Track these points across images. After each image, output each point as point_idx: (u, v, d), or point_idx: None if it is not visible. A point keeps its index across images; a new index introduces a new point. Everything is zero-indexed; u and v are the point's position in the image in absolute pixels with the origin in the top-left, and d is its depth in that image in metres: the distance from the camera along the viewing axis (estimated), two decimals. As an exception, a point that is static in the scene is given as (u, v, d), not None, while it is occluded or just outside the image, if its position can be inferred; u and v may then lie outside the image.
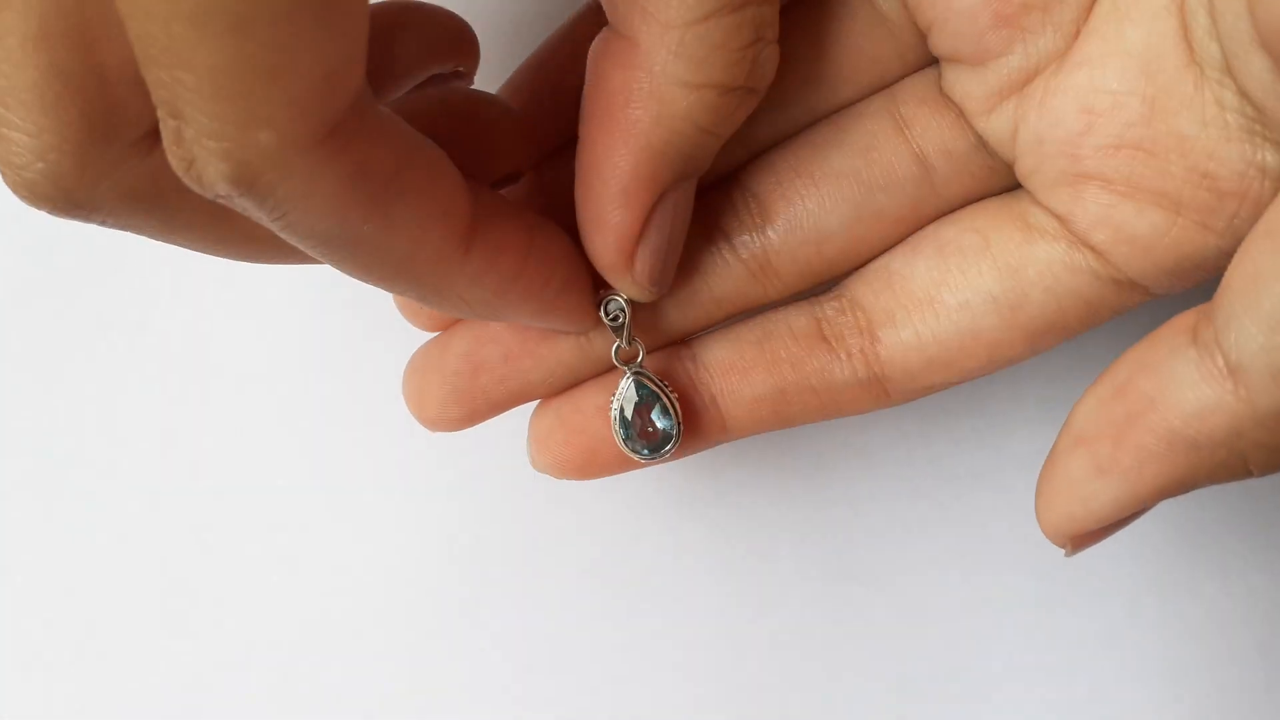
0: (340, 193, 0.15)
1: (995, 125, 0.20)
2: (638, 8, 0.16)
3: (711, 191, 0.22)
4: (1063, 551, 0.18)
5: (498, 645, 0.29)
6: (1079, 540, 0.18)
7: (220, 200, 0.15)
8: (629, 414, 0.21)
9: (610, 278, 0.19)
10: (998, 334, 0.20)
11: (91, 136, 0.15)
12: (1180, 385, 0.16)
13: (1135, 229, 0.19)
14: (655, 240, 0.19)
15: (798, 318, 0.22)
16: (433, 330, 0.22)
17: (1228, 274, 0.15)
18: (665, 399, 0.21)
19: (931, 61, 0.21)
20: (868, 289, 0.21)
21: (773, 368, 0.21)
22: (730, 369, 0.22)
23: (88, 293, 0.30)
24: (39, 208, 0.16)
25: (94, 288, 0.30)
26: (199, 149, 0.14)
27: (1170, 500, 0.27)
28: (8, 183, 0.16)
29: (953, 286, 0.20)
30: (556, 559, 0.29)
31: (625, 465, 0.22)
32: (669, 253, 0.19)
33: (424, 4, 0.21)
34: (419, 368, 0.22)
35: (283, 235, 0.15)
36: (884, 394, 0.21)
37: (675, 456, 0.22)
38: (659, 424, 0.21)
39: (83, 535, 0.29)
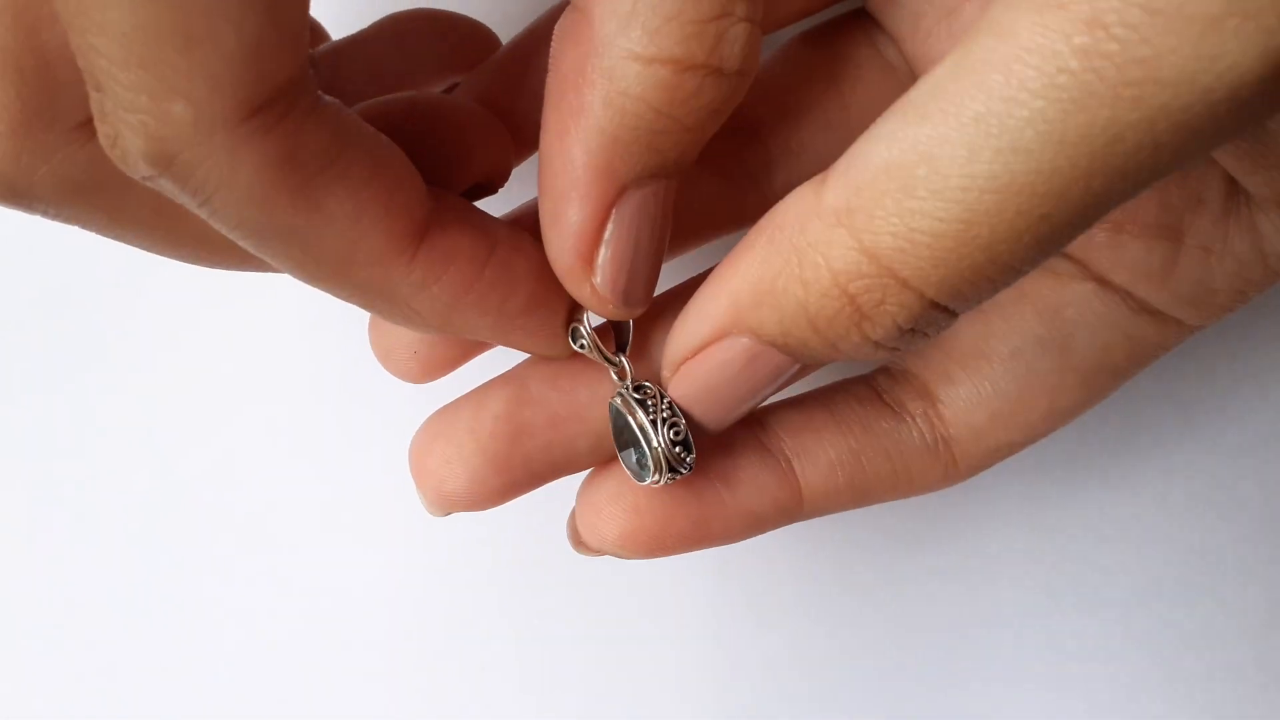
0: (264, 177, 0.14)
1: None
2: None
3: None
4: None
5: (494, 655, 0.29)
6: (679, 377, 0.18)
7: (147, 183, 0.14)
8: (626, 439, 0.19)
9: (569, 286, 0.17)
10: (1053, 378, 0.20)
11: (28, 120, 0.15)
12: (796, 191, 0.16)
13: (1149, 264, 0.19)
14: (617, 245, 0.17)
15: (857, 386, 0.21)
16: (412, 380, 0.21)
17: None
18: (659, 412, 0.18)
19: None
20: (914, 357, 0.21)
21: (845, 429, 0.20)
22: (802, 429, 0.20)
23: (94, 295, 0.30)
24: None
25: (100, 291, 0.30)
26: (119, 123, 0.14)
27: (1164, 514, 0.28)
28: None
29: (1000, 335, 0.20)
30: (553, 572, 0.29)
31: (700, 537, 0.20)
32: (638, 264, 0.17)
33: (447, 13, 0.21)
34: (439, 434, 0.19)
35: (214, 224, 0.15)
36: (952, 462, 0.21)
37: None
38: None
39: (82, 535, 0.29)
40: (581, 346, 0.18)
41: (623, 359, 0.19)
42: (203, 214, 0.15)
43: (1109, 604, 0.28)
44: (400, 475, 0.28)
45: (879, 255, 0.14)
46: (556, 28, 0.16)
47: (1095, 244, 0.19)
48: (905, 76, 0.21)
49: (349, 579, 0.29)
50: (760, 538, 0.28)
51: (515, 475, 0.19)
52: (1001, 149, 0.13)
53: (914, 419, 0.21)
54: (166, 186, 0.14)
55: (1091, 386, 0.20)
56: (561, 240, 0.17)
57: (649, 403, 0.18)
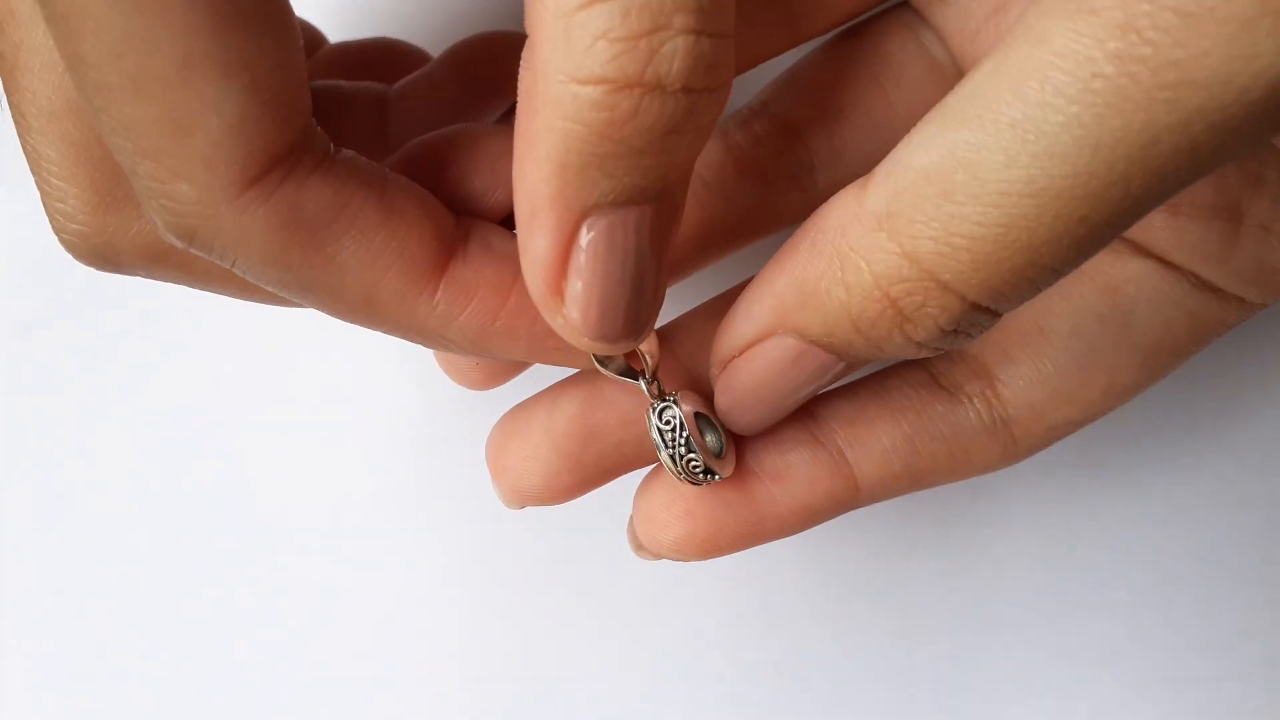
0: (272, 239, 0.16)
1: None
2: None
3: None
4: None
5: (502, 657, 0.28)
6: (725, 374, 0.18)
7: (189, 250, 0.16)
8: (679, 442, 0.19)
9: (545, 317, 0.17)
10: (1113, 355, 0.20)
11: (105, 200, 0.17)
12: (839, 194, 0.16)
13: (1208, 245, 0.19)
14: (588, 271, 0.16)
15: (911, 370, 0.21)
16: (475, 388, 0.21)
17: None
18: (676, 447, 0.19)
19: None
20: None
21: (898, 416, 0.20)
22: (854, 421, 0.20)
23: (99, 297, 0.30)
24: (84, 264, 0.18)
25: (104, 293, 0.29)
26: (148, 204, 0.16)
27: (1172, 516, 0.28)
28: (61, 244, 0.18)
29: (1058, 313, 0.20)
30: (558, 577, 0.29)
31: (755, 535, 0.20)
32: (612, 295, 0.16)
33: (503, 35, 0.23)
34: (516, 432, 0.20)
35: (252, 281, 0.17)
36: (1011, 442, 0.21)
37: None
38: (707, 440, 0.19)
39: (81, 536, 0.29)
40: (610, 368, 0.19)
41: (642, 383, 0.19)
42: (236, 273, 0.17)
43: (1115, 606, 0.29)
44: (406, 476, 0.29)
45: (919, 259, 0.14)
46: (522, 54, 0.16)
47: (1153, 226, 0.19)
48: (951, 74, 0.21)
49: (355, 581, 0.29)
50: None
51: (588, 472, 0.20)
52: (1038, 154, 0.13)
53: (971, 400, 0.21)
54: (200, 253, 0.16)
55: (1152, 364, 0.20)
56: (530, 270, 0.16)
57: (668, 436, 0.19)
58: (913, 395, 0.21)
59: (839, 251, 0.15)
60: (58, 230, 0.18)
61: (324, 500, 0.29)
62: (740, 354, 0.18)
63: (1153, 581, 0.29)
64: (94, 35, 0.14)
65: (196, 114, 0.15)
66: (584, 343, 0.17)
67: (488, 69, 0.23)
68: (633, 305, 0.16)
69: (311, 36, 0.26)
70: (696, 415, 0.19)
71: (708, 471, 0.19)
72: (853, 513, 0.28)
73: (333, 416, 0.29)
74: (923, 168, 0.14)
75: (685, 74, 0.14)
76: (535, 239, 0.16)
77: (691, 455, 0.19)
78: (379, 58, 0.25)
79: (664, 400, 0.19)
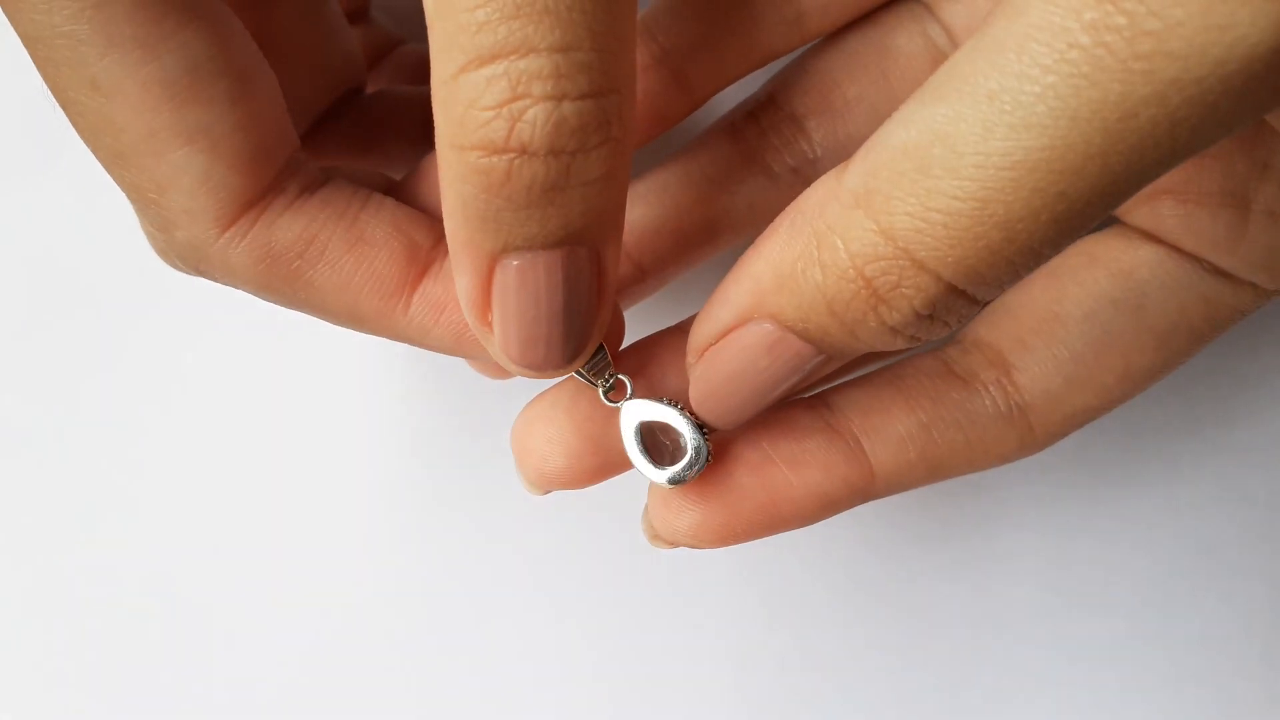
0: (257, 270, 0.18)
1: None
2: (430, 60, 0.15)
3: None
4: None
5: (507, 653, 0.28)
6: (700, 362, 0.18)
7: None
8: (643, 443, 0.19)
9: (483, 344, 0.18)
10: (1128, 339, 0.20)
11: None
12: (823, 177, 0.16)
13: (1215, 231, 0.19)
14: (505, 309, 0.17)
15: (926, 360, 0.21)
16: (497, 378, 0.22)
17: None
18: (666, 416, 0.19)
19: None
20: (985, 326, 0.21)
21: (913, 403, 0.20)
22: (869, 410, 0.20)
23: (103, 298, 0.29)
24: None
25: (109, 293, 0.29)
26: (160, 240, 0.19)
27: (1171, 514, 0.28)
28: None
29: (1073, 299, 0.20)
30: (564, 572, 0.29)
31: (771, 523, 0.20)
32: (533, 329, 0.17)
33: None
34: (541, 415, 0.20)
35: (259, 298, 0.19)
36: (1029, 430, 0.20)
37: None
38: (676, 437, 0.19)
39: (84, 536, 0.29)
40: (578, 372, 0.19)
41: (599, 384, 0.19)
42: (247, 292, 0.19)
43: (1117, 603, 0.29)
44: (406, 474, 0.29)
45: (895, 236, 0.14)
46: None
47: (1161, 214, 0.19)
48: None
49: (355, 581, 0.29)
50: (772, 537, 0.28)
51: (611, 456, 0.20)
52: (1015, 125, 0.13)
53: (986, 388, 0.20)
54: (208, 279, 0.19)
55: (1168, 348, 0.20)
56: (461, 302, 0.18)
57: (633, 439, 0.19)
58: (928, 384, 0.20)
59: (816, 231, 0.15)
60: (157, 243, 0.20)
61: (323, 500, 0.29)
62: (717, 341, 0.17)
63: (1157, 578, 0.29)
64: (80, 119, 0.17)
65: (168, 176, 0.17)
66: (512, 368, 0.18)
67: None
68: (556, 337, 0.17)
69: (386, 37, 0.27)
70: (681, 408, 0.19)
71: (691, 475, 0.19)
72: (855, 510, 0.29)
73: (335, 411, 0.29)
74: (901, 144, 0.14)
75: (548, 139, 0.15)
76: (459, 277, 0.17)
77: (679, 473, 0.19)
78: None
79: (613, 405, 0.19)
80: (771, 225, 0.16)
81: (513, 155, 0.15)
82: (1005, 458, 0.21)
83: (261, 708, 0.28)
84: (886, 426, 0.20)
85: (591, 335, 0.18)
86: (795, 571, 0.29)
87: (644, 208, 0.22)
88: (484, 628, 0.28)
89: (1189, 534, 0.29)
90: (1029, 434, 0.20)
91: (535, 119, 0.15)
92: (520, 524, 0.29)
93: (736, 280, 0.17)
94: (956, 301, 0.15)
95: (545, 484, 0.20)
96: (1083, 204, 0.13)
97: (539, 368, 0.18)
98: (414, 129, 0.24)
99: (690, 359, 0.18)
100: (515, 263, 0.16)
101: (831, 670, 0.28)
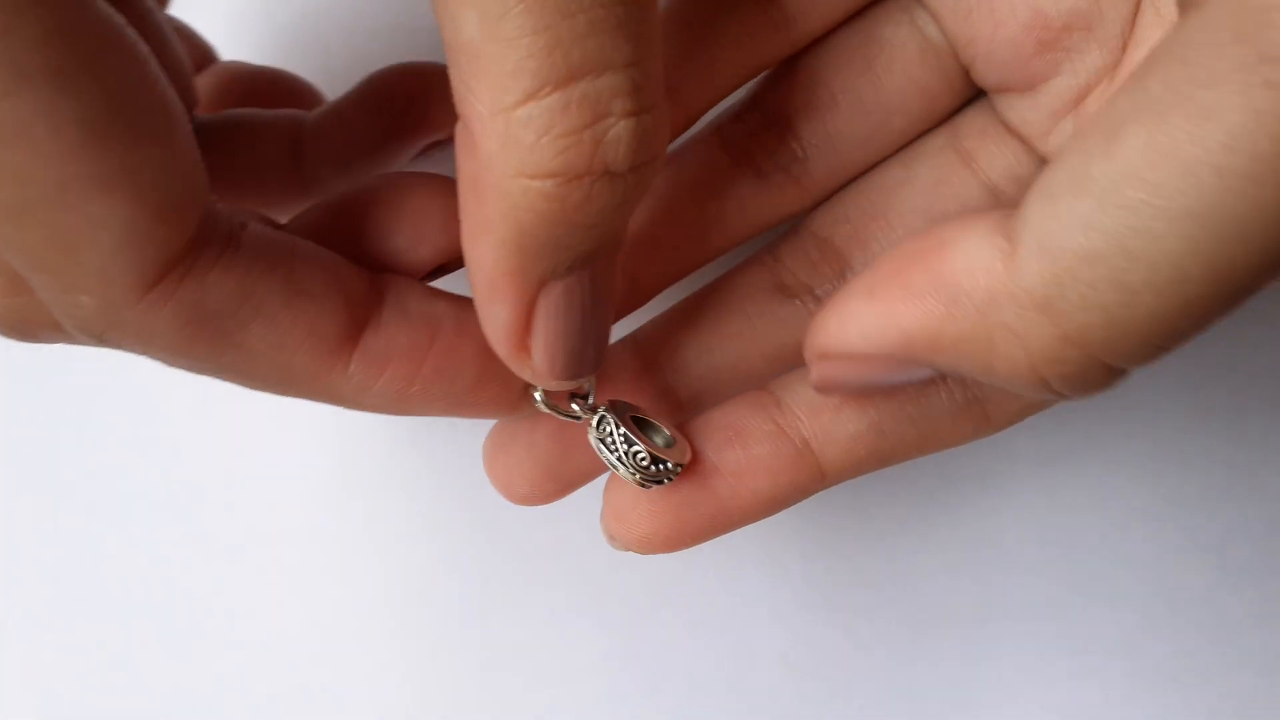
0: (179, 334, 0.16)
1: (1057, 144, 0.20)
2: (468, 91, 0.15)
3: (781, 243, 0.21)
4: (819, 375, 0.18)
5: (503, 649, 0.29)
6: (826, 364, 0.18)
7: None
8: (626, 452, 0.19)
9: (513, 369, 0.18)
10: None
11: (10, 284, 0.17)
12: (965, 240, 0.15)
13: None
14: (549, 332, 0.17)
15: None
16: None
17: None
18: (616, 449, 0.19)
19: (981, 91, 0.21)
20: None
21: (865, 402, 0.20)
22: (820, 409, 0.20)
23: None
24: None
25: None
26: (52, 308, 0.16)
27: (1181, 505, 0.28)
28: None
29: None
30: (559, 571, 0.29)
31: (718, 528, 0.20)
32: (572, 343, 0.17)
33: (424, 67, 0.22)
34: (502, 446, 0.21)
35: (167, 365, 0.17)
36: (984, 417, 0.20)
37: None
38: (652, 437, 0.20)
39: (84, 537, 0.29)
40: (545, 406, 0.19)
41: (576, 407, 0.19)
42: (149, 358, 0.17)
43: (1124, 595, 0.28)
44: (406, 474, 0.29)
45: (1087, 345, 0.14)
46: (455, 133, 0.16)
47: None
48: (945, 55, 0.20)
49: (354, 581, 0.29)
50: (772, 531, 0.28)
51: (569, 479, 0.21)
52: (1225, 239, 0.13)
53: (945, 381, 0.20)
54: (112, 348, 0.17)
55: None
56: (493, 334, 0.17)
57: (607, 441, 0.19)
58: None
59: (988, 325, 0.15)
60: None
61: (323, 500, 0.29)
62: (846, 359, 0.17)
63: (1162, 571, 0.28)
64: None
65: (83, 232, 0.15)
66: (552, 385, 0.18)
67: (404, 104, 0.23)
68: (593, 343, 0.17)
69: (306, 93, 0.25)
70: (634, 419, 0.19)
71: (656, 461, 0.19)
72: (858, 502, 0.29)
73: (334, 411, 0.29)
74: (1084, 251, 0.14)
75: (632, 155, 0.15)
76: (496, 309, 0.16)
77: (637, 449, 0.19)
78: (266, 88, 0.25)
79: (595, 413, 0.19)
80: (901, 272, 0.16)
81: (592, 179, 0.15)
82: (960, 443, 0.20)
83: (261, 708, 0.29)
84: (837, 428, 0.20)
85: (608, 336, 0.18)
86: (793, 565, 0.28)
87: (635, 217, 0.21)
88: (484, 628, 0.29)
89: (1198, 525, 0.28)
90: (985, 422, 0.20)
91: (620, 137, 0.15)
92: (520, 523, 0.29)
93: (880, 326, 0.16)
94: (1118, 377, 0.15)
95: (517, 502, 0.21)
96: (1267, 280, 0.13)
97: (577, 377, 0.18)
98: (283, 160, 0.22)
99: (808, 354, 0.18)
100: (562, 284, 0.16)
101: (833, 663, 0.28)
